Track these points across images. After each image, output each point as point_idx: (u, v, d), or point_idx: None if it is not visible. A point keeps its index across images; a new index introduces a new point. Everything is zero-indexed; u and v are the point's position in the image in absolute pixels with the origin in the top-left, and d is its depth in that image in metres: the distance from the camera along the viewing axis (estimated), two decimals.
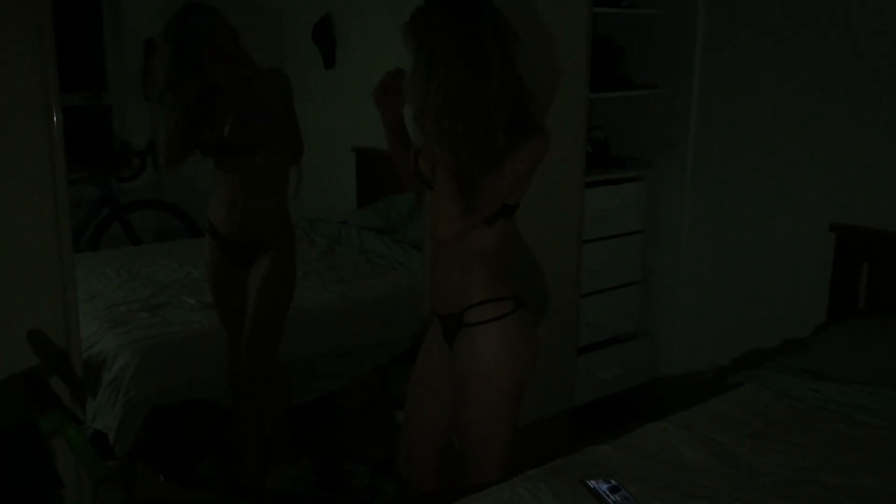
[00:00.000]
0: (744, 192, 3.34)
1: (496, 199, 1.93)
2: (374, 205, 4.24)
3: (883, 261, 2.93)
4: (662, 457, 2.18)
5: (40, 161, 2.09)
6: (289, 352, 2.99)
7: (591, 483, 2.00)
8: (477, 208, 1.91)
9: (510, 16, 1.91)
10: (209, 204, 2.92)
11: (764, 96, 3.24)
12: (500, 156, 1.87)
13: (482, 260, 2.02)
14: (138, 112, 4.76)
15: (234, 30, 2.73)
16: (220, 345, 3.01)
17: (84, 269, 3.04)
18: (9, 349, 2.09)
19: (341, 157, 4.40)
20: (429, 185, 2.04)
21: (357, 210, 4.39)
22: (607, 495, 1.94)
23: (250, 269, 2.84)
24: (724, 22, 3.32)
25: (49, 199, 2.11)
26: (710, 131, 3.43)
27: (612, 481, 2.00)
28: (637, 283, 3.61)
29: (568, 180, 3.06)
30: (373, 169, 4.37)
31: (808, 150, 3.13)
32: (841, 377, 2.56)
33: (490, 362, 2.02)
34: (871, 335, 2.68)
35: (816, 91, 3.08)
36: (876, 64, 2.92)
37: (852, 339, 2.71)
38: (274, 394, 2.95)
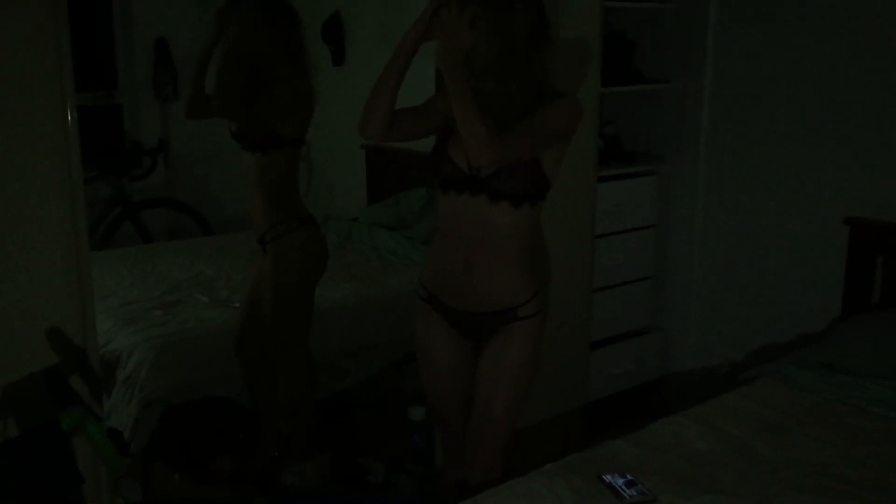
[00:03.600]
0: (757, 185, 3.33)
1: (527, 138, 1.96)
2: (385, 202, 4.25)
3: None
4: (678, 451, 2.18)
5: (57, 160, 2.10)
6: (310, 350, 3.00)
7: (607, 477, 2.00)
8: (511, 144, 1.93)
9: None
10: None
11: (777, 89, 3.22)
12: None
13: (522, 251, 2.09)
14: (149, 111, 4.79)
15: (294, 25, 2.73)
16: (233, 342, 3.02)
17: (97, 268, 3.06)
18: (28, 347, 2.10)
19: (351, 155, 4.41)
20: (452, 173, 2.06)
21: (367, 207, 4.40)
22: (623, 489, 1.95)
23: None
24: (736, 15, 3.31)
25: (66, 198, 2.12)
26: (723, 125, 3.42)
27: (628, 475, 2.01)
28: (650, 278, 3.60)
29: (580, 175, 3.06)
30: (383, 166, 4.38)
31: (821, 143, 3.12)
32: (857, 371, 2.56)
33: (532, 351, 2.16)
34: (887, 329, 2.67)
35: (829, 84, 3.07)
36: (890, 55, 2.90)
37: (868, 332, 2.70)
38: (303, 389, 2.95)
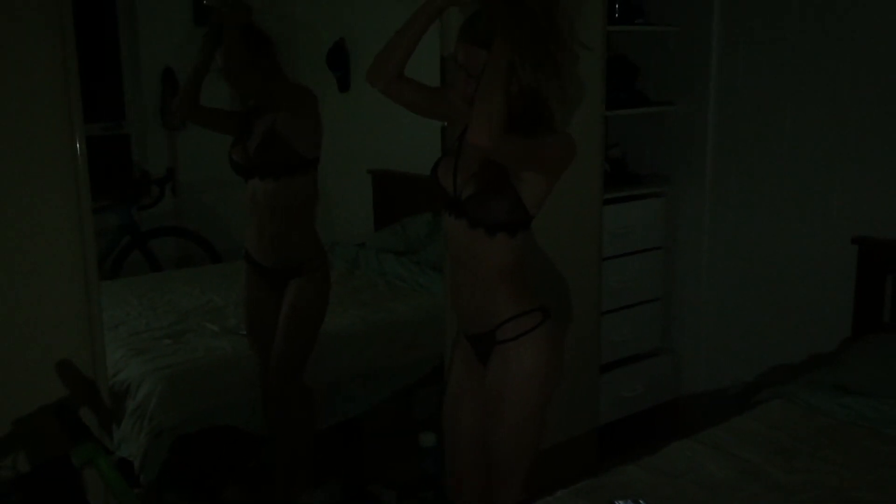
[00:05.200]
0: (764, 206, 3.33)
1: (528, 145, 1.95)
2: (392, 227, 4.25)
3: None
4: (690, 476, 2.16)
5: (66, 191, 2.11)
6: (312, 376, 3.00)
7: (619, 503, 1.98)
8: (511, 139, 1.91)
9: None
10: (246, 230, 2.95)
11: (781, 109, 3.23)
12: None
13: (505, 276, 2.06)
14: (157, 140, 4.81)
15: (270, 41, 2.77)
16: (244, 371, 3.02)
17: (106, 298, 3.04)
18: (38, 379, 2.10)
19: (358, 180, 4.42)
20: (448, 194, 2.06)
21: (375, 233, 4.40)
22: None
23: (283, 294, 2.86)
24: (739, 37, 3.32)
25: (75, 229, 2.13)
26: (729, 146, 3.42)
27: (641, 501, 1.99)
28: (658, 300, 3.59)
29: (586, 197, 3.06)
30: (390, 191, 4.38)
31: (828, 163, 3.12)
32: (871, 392, 2.53)
33: (523, 376, 2.07)
34: None
35: (834, 103, 3.07)
36: (894, 74, 2.91)
37: (881, 352, 2.68)
38: (301, 417, 2.95)
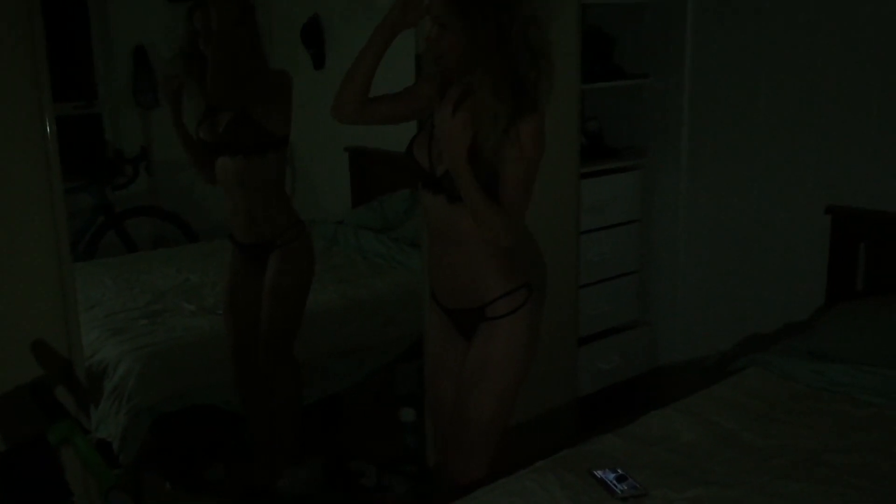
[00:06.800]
0: (739, 177, 3.35)
1: (524, 189, 1.99)
2: (370, 204, 4.24)
3: (879, 241, 2.94)
4: (668, 444, 2.19)
5: (36, 172, 2.09)
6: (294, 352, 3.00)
7: (599, 473, 2.00)
8: (519, 209, 1.99)
9: None
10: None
11: (757, 82, 3.24)
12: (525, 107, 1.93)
13: (491, 251, 2.06)
14: (130, 119, 4.75)
15: (252, 22, 2.74)
16: (222, 350, 3.01)
17: (81, 278, 3.04)
18: (13, 360, 2.09)
19: (334, 158, 4.40)
20: (426, 172, 2.06)
21: (352, 210, 4.39)
22: (615, 484, 1.95)
23: (265, 269, 2.85)
24: (715, 8, 3.32)
25: (47, 210, 2.11)
26: (704, 118, 3.43)
27: (619, 470, 2.01)
28: (636, 273, 3.61)
29: (563, 172, 3.06)
30: (367, 168, 4.37)
31: (802, 134, 3.14)
32: (844, 358, 2.57)
33: (509, 350, 2.09)
34: (872, 316, 2.69)
35: (809, 75, 3.09)
36: (868, 46, 2.92)
37: (854, 320, 2.72)
38: (290, 392, 2.95)
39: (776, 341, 2.95)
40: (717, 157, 3.41)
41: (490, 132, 1.90)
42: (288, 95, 2.79)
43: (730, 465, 2.07)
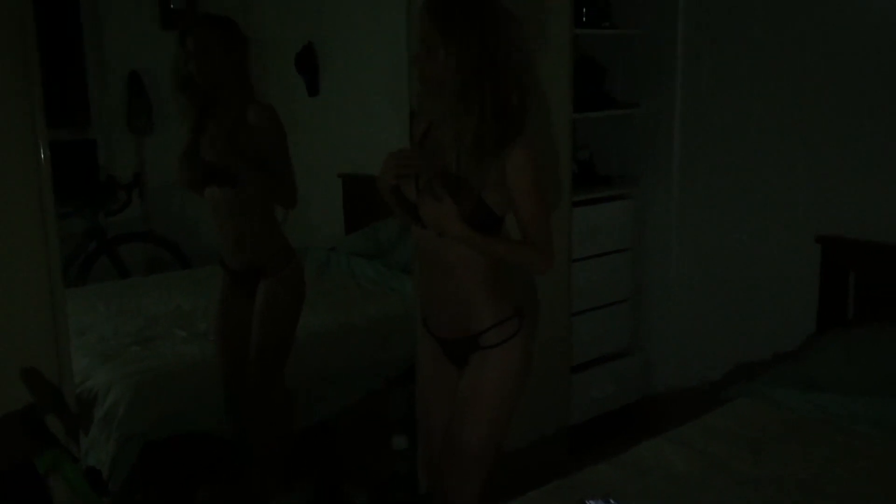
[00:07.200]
0: (730, 206, 3.37)
1: (545, 206, 2.05)
2: (363, 230, 4.25)
3: (869, 270, 2.96)
4: (660, 473, 2.18)
5: (29, 197, 2.08)
6: (285, 378, 2.98)
7: (591, 502, 1.99)
8: (547, 230, 2.03)
9: None
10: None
11: (747, 110, 3.27)
12: (511, 134, 1.93)
13: (482, 281, 2.06)
14: (124, 145, 4.76)
15: (243, 51, 2.74)
16: (212, 376, 3.00)
17: (73, 304, 3.01)
18: (2, 387, 2.07)
19: (328, 184, 4.41)
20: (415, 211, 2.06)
21: (346, 236, 4.39)
22: None
23: (255, 294, 2.85)
24: (705, 38, 3.36)
25: (39, 235, 2.10)
26: (695, 147, 3.46)
27: (611, 500, 2.00)
28: (627, 300, 3.62)
29: (555, 199, 3.08)
30: (360, 195, 4.37)
31: (792, 163, 3.17)
32: (835, 387, 2.57)
33: (503, 379, 2.10)
34: (863, 344, 2.70)
35: (799, 103, 3.12)
36: (858, 75, 2.96)
37: (845, 348, 2.72)
38: (280, 419, 2.93)
39: (768, 369, 2.95)
40: (709, 185, 3.43)
41: (471, 158, 1.92)
42: (276, 130, 2.78)
43: (722, 495, 2.06)
